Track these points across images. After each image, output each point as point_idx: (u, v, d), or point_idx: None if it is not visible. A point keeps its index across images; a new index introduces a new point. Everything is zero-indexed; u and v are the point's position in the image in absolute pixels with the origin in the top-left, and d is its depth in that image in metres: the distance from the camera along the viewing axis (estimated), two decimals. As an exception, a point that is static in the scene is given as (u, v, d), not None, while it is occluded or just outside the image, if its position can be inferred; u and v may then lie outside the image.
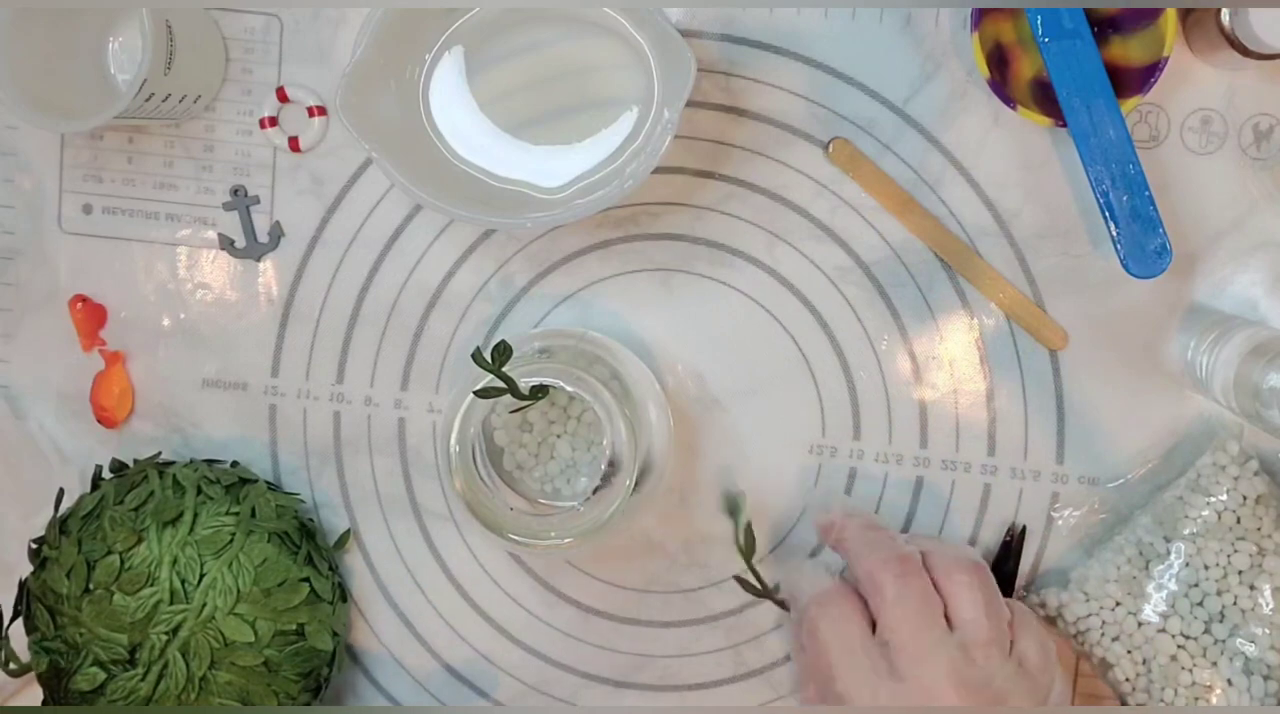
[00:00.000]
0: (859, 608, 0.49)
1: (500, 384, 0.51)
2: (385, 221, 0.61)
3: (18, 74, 0.55)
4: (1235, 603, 0.56)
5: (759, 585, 0.56)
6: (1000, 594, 0.50)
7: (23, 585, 0.58)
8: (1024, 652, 0.49)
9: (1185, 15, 0.57)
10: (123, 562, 0.55)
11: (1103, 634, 0.58)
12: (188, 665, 0.55)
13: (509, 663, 0.62)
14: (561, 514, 0.55)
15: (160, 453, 0.62)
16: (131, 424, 0.62)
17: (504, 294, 0.61)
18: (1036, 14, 0.54)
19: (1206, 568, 0.56)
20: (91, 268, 0.62)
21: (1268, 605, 0.55)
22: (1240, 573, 0.56)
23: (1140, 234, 0.54)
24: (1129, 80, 0.55)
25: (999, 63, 0.56)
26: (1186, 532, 0.56)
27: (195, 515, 0.57)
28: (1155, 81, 0.54)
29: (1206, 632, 0.56)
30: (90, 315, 0.62)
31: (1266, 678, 0.55)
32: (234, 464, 0.61)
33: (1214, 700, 0.56)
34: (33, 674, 0.57)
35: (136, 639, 0.55)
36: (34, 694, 0.59)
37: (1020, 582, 0.60)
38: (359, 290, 0.61)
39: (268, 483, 0.61)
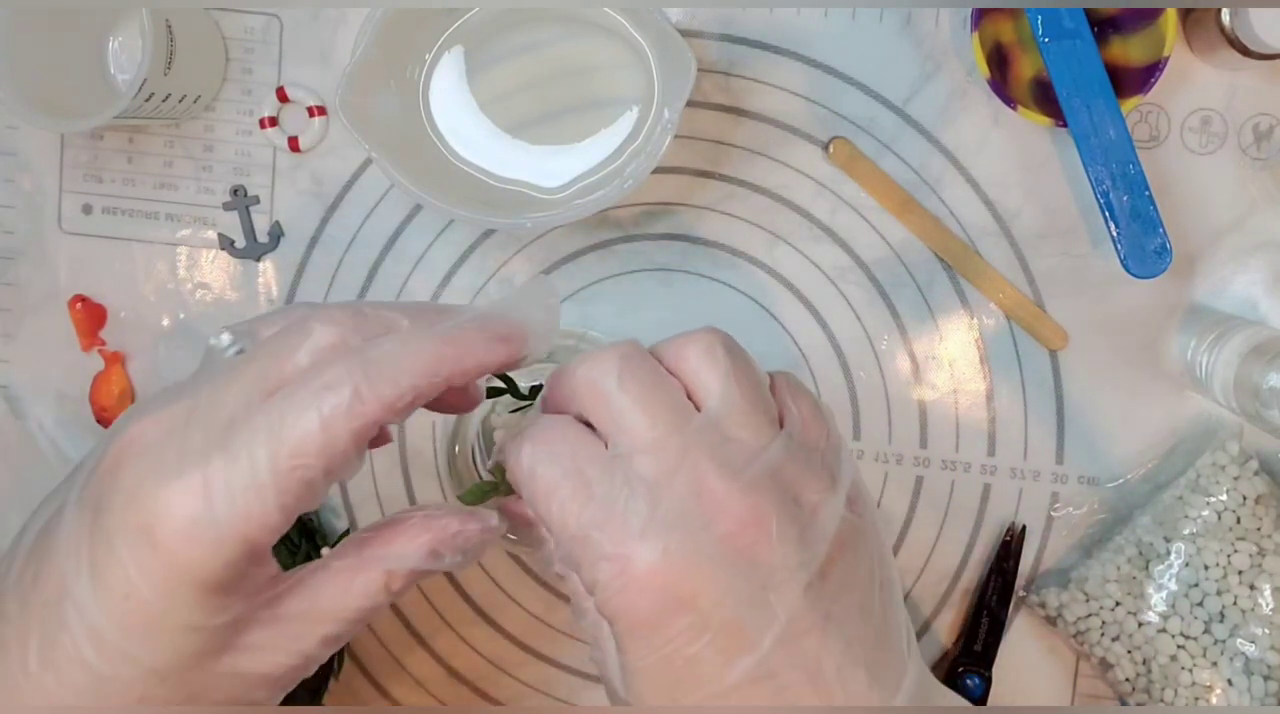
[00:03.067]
0: (583, 430, 0.37)
1: (500, 384, 0.51)
2: (385, 221, 0.61)
3: (18, 74, 0.55)
4: (1235, 603, 0.56)
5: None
6: (752, 360, 0.38)
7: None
8: (795, 420, 0.38)
9: (1185, 15, 0.57)
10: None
11: (1103, 634, 0.58)
12: (187, 665, 0.55)
13: (509, 663, 0.62)
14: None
15: (160, 453, 0.62)
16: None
17: (504, 294, 0.61)
18: (1037, 14, 0.54)
19: (1206, 568, 0.56)
20: (91, 268, 0.62)
21: (1268, 605, 0.55)
22: (1240, 573, 0.56)
23: (1140, 234, 0.54)
24: (1129, 80, 0.55)
25: (999, 63, 0.56)
26: (1186, 532, 0.56)
27: (195, 515, 0.56)
28: (1155, 81, 0.54)
29: (1206, 632, 0.56)
30: (90, 315, 0.62)
31: (1267, 678, 0.55)
32: (234, 464, 0.61)
33: (1214, 700, 0.56)
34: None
35: (136, 639, 0.55)
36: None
37: (1020, 582, 0.60)
38: (359, 290, 0.61)
39: (267, 483, 0.61)
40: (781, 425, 0.37)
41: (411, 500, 0.62)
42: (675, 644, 0.34)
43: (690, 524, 0.34)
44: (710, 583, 0.33)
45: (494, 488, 0.38)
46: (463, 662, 0.63)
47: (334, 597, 0.37)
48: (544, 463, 0.36)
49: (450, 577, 0.62)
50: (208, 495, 0.34)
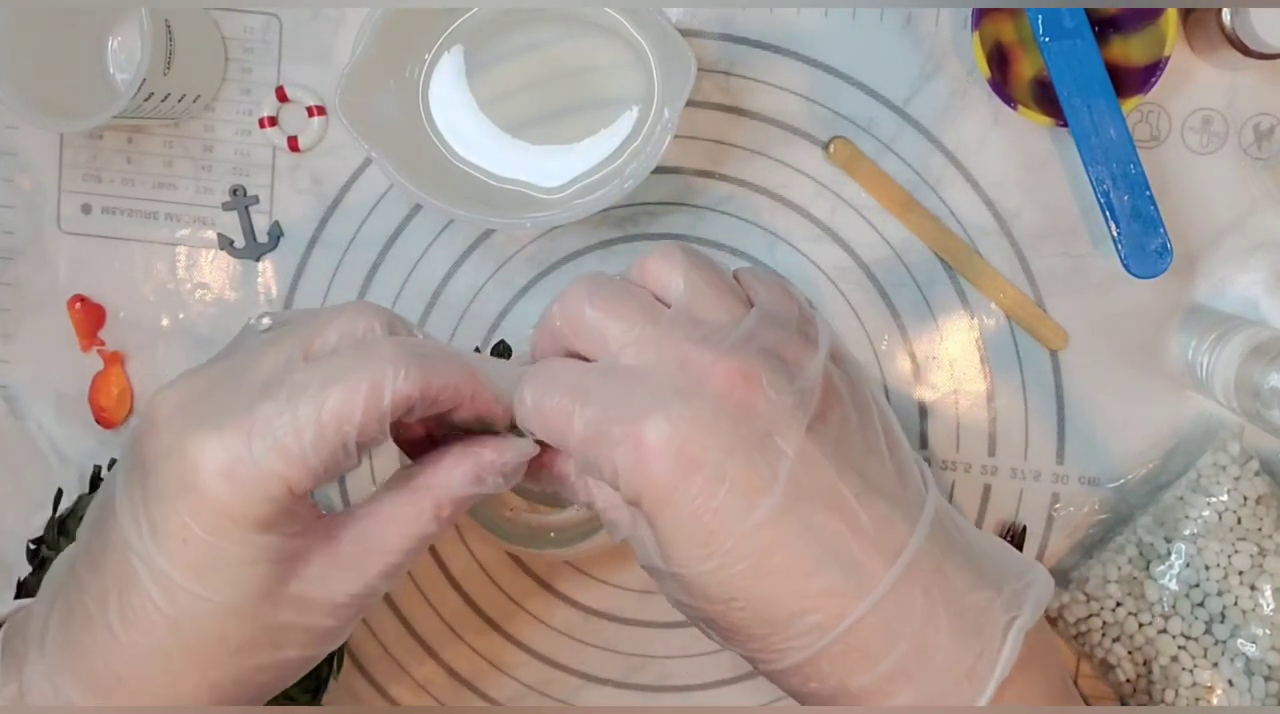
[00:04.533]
0: (569, 359, 0.40)
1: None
2: (385, 221, 0.61)
3: (18, 74, 0.55)
4: (1236, 603, 0.56)
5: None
6: (710, 260, 0.41)
7: (21, 586, 0.58)
8: (766, 301, 0.40)
9: (1186, 15, 0.56)
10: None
11: (1104, 635, 0.57)
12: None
13: (509, 663, 0.62)
14: (561, 515, 0.55)
15: (159, 453, 0.62)
16: (130, 424, 0.62)
17: (504, 294, 0.61)
18: (1037, 13, 0.54)
19: (1207, 568, 0.56)
20: (90, 268, 0.62)
21: (1268, 606, 0.55)
22: (1241, 573, 0.56)
23: (1141, 234, 0.54)
24: (1130, 80, 0.55)
25: (999, 62, 0.56)
26: (1187, 532, 0.56)
27: (194, 516, 0.56)
28: (1156, 81, 0.54)
29: (1207, 632, 0.56)
30: (89, 315, 0.62)
31: (1267, 679, 0.55)
32: (233, 464, 0.61)
33: (1214, 701, 0.56)
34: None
35: (135, 640, 0.55)
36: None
37: (1021, 582, 0.60)
38: (358, 291, 0.61)
39: (267, 483, 0.61)
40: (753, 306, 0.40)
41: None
42: (699, 500, 0.36)
43: (685, 393, 0.36)
44: (715, 437, 0.36)
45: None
46: (462, 662, 0.63)
47: (387, 525, 0.39)
48: (543, 393, 0.39)
49: (450, 576, 0.62)
50: (249, 439, 0.36)
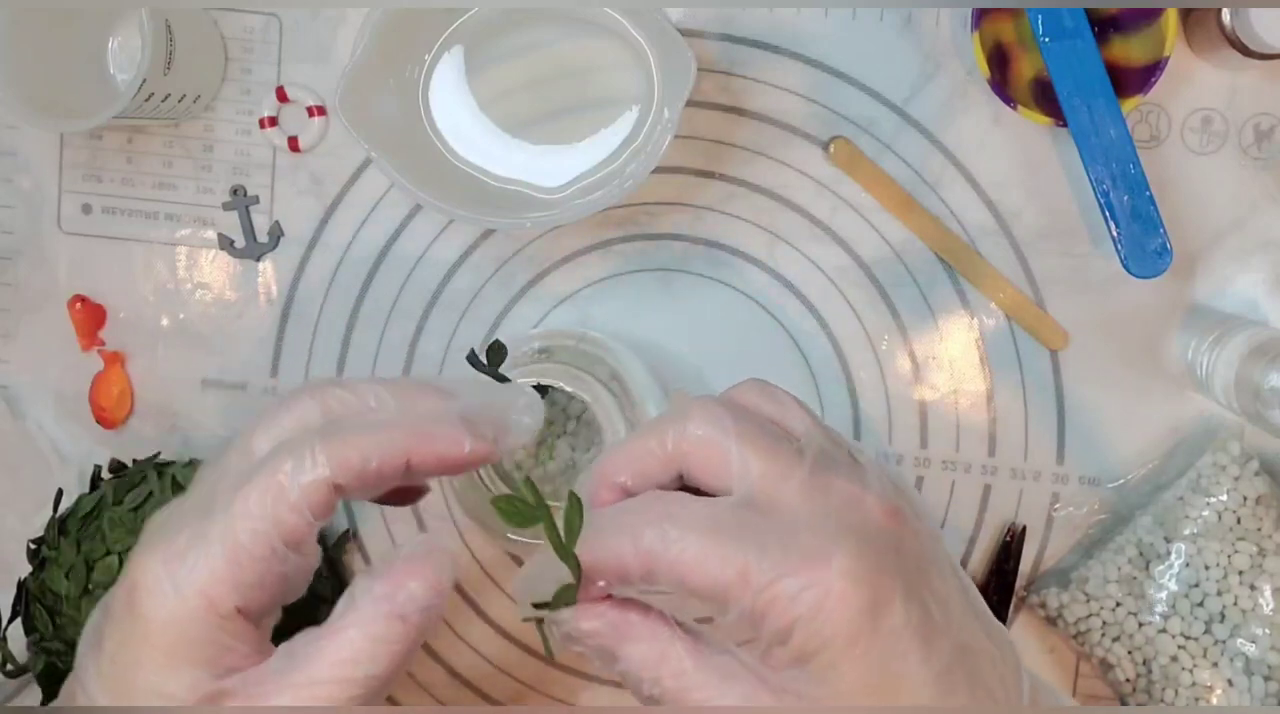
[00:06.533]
0: (702, 499, 0.36)
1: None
2: (385, 221, 0.61)
3: (18, 74, 0.55)
4: (1236, 603, 0.56)
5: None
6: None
7: (21, 586, 0.58)
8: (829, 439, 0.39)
9: (1186, 15, 0.57)
10: (121, 562, 0.55)
11: (1103, 635, 0.57)
12: (187, 666, 0.55)
13: (509, 663, 0.62)
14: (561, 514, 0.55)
15: (159, 453, 0.62)
16: (130, 424, 0.62)
17: (504, 294, 0.61)
18: (1037, 14, 0.54)
19: (1207, 568, 0.56)
20: (90, 268, 0.62)
21: (1268, 606, 0.55)
22: (1241, 573, 0.56)
23: (1141, 234, 0.54)
24: (1129, 80, 0.55)
25: (999, 62, 0.56)
26: (1187, 532, 0.56)
27: (194, 516, 0.56)
28: (1156, 81, 0.54)
29: (1207, 632, 0.56)
30: (89, 315, 0.62)
31: (1267, 678, 0.55)
32: (233, 464, 0.61)
33: (1214, 701, 0.56)
34: (31, 675, 0.57)
35: (135, 640, 0.55)
36: (33, 696, 0.59)
37: (1020, 582, 0.60)
38: (359, 290, 0.61)
39: (267, 483, 0.61)
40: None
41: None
42: (886, 645, 0.33)
43: (855, 529, 0.34)
44: (894, 577, 0.33)
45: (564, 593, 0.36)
46: (463, 662, 0.63)
47: (315, 660, 0.36)
48: (690, 535, 0.34)
49: (450, 577, 0.62)
50: (167, 559, 0.35)
